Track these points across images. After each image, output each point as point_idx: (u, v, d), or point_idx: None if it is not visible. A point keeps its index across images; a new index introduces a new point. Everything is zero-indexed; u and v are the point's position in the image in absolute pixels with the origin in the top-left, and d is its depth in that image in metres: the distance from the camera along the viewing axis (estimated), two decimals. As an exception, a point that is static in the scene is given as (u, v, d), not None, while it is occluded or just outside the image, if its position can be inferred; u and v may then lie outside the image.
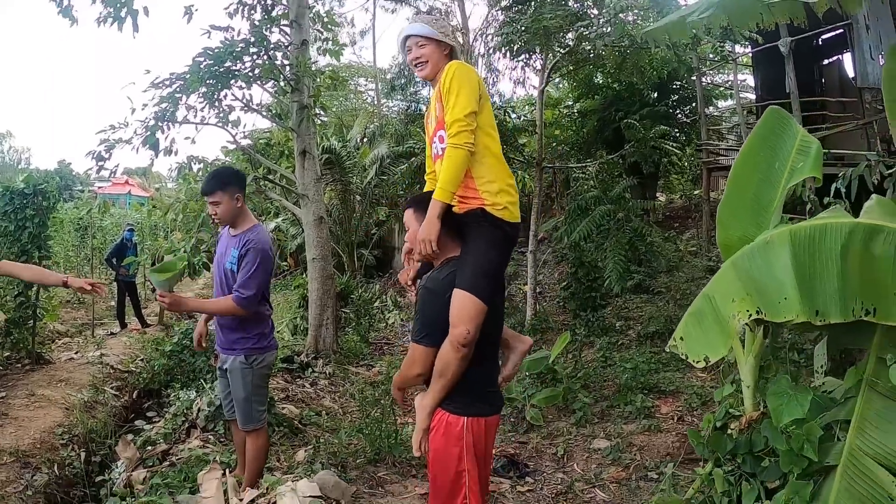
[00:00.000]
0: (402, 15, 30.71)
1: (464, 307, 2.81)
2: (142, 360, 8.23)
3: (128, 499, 4.08)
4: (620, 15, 8.91)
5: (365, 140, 20.50)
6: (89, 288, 3.99)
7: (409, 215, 3.15)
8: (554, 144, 18.11)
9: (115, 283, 12.88)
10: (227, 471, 4.18)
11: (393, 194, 19.26)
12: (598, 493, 5.15)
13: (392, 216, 19.68)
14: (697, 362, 2.34)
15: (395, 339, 12.52)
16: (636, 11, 9.01)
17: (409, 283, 3.30)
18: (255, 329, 4.29)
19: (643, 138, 11.67)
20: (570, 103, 20.18)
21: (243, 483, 4.27)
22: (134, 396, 7.37)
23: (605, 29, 9.34)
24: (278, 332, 9.07)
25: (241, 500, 3.70)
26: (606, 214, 9.52)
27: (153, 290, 13.71)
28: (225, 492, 3.78)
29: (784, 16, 3.89)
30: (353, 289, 14.56)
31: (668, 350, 2.48)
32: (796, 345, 2.50)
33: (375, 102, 28.70)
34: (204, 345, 4.66)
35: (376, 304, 14.87)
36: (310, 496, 3.81)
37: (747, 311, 2.23)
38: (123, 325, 12.19)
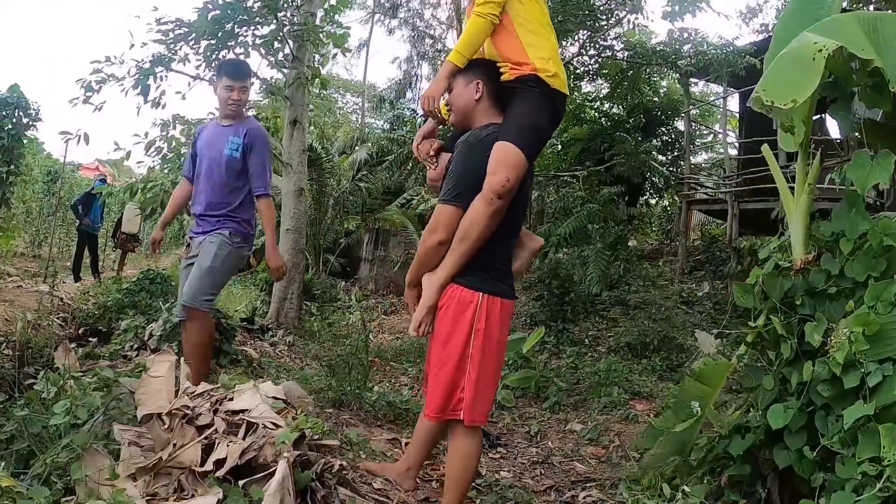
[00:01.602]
0: (398, 36, 30.97)
1: (506, 155, 2.63)
2: (94, 303, 7.68)
3: (61, 374, 3.49)
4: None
5: (345, 153, 20.34)
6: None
7: (460, 76, 2.96)
8: (536, 172, 18.03)
9: (76, 235, 12.32)
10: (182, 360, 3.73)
11: (366, 207, 19.08)
12: (577, 465, 4.80)
13: (362, 228, 19.43)
14: (785, 105, 2.18)
15: (354, 335, 12.02)
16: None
17: (432, 154, 3.07)
18: (244, 214, 4.31)
19: (633, 151, 11.59)
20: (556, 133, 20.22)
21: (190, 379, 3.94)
22: (80, 332, 6.81)
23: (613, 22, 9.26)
24: (236, 310, 8.62)
25: (195, 388, 3.26)
26: (592, 215, 9.30)
27: (115, 248, 13.16)
28: (177, 377, 3.34)
29: None
30: (318, 284, 14.20)
31: (749, 104, 2.33)
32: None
33: (361, 118, 28.64)
34: (158, 249, 4.72)
35: (339, 301, 14.48)
36: (273, 397, 3.38)
37: (834, 43, 2.11)
38: (77, 279, 11.61)
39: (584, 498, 4.02)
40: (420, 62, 20.53)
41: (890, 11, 2.21)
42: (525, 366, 7.08)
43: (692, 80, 13.18)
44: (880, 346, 1.94)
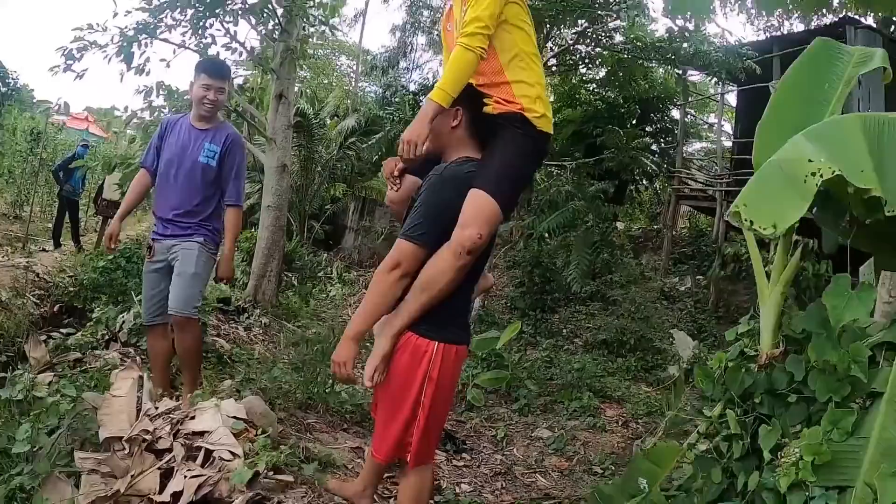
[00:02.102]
0: (394, 4, 30.45)
1: (481, 208, 2.50)
2: (70, 276, 7.62)
3: (25, 387, 3.55)
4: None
5: (336, 117, 20.11)
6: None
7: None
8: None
9: (57, 200, 12.21)
10: (146, 375, 3.75)
11: (354, 173, 18.95)
12: (540, 478, 4.86)
13: (349, 195, 19.29)
14: (765, 229, 2.00)
15: (334, 311, 12.06)
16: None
17: (395, 175, 2.87)
18: (214, 223, 4.27)
19: (624, 147, 11.54)
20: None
21: (184, 384, 4.10)
22: (55, 310, 6.78)
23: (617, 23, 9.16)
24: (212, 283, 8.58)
25: (156, 407, 3.28)
26: (578, 211, 9.29)
27: (96, 213, 13.05)
28: (139, 397, 3.35)
29: (810, 6, 3.73)
30: (301, 255, 14.14)
31: (727, 217, 2.18)
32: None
33: (354, 83, 28.28)
34: (113, 246, 4.41)
35: (321, 273, 14.43)
36: (234, 416, 3.41)
37: (830, 168, 1.94)
38: (58, 245, 11.51)
39: (540, 519, 4.08)
40: (416, 32, 20.14)
41: None
42: (497, 363, 7.11)
43: (690, 71, 13.06)
44: (830, 473, 1.94)
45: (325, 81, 28.86)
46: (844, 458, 1.94)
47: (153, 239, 4.26)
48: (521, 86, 2.69)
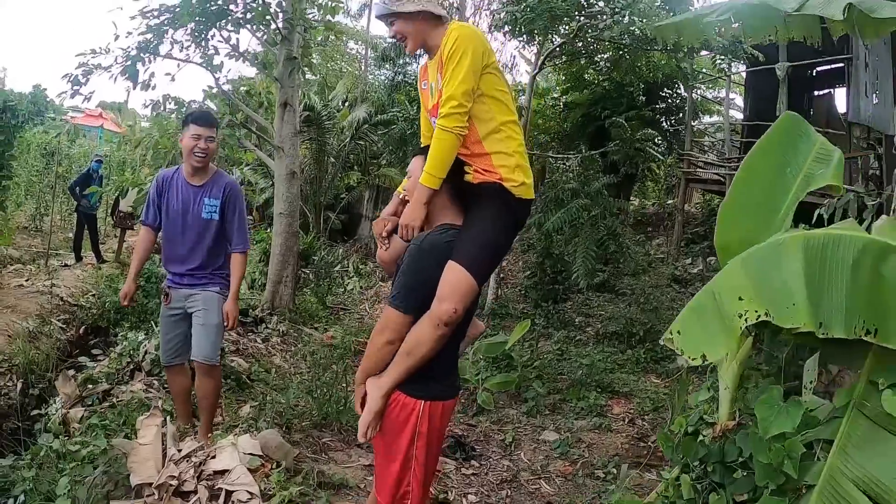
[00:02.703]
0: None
1: (458, 283, 2.61)
2: (93, 295, 7.95)
3: (62, 437, 3.91)
4: (627, 12, 8.77)
5: (346, 103, 20.19)
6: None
7: (416, 163, 2.91)
8: (536, 133, 18.00)
9: (74, 214, 12.53)
10: (169, 418, 4.02)
11: (368, 160, 19.10)
12: (544, 484, 5.09)
13: (363, 183, 19.42)
14: (694, 360, 2.20)
15: (352, 306, 12.34)
16: (643, 8, 8.87)
17: (384, 235, 3.01)
18: (226, 269, 4.45)
19: (629, 139, 11.62)
20: (557, 95, 20.05)
21: (200, 426, 4.25)
22: (80, 332, 7.13)
23: (608, 21, 9.21)
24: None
25: (179, 450, 3.55)
26: (582, 209, 9.43)
27: (114, 226, 13.41)
28: (164, 439, 3.63)
29: (799, 33, 3.80)
30: (317, 250, 14.35)
31: (661, 342, 2.33)
32: (781, 357, 2.41)
33: (362, 68, 28.30)
34: (132, 303, 4.69)
35: (337, 268, 14.66)
36: (251, 453, 3.68)
37: (755, 311, 2.10)
38: (79, 259, 11.86)
39: (541, 530, 4.33)
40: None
41: (849, 232, 2.13)
42: (507, 364, 7.34)
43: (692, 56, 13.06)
44: None
45: (335, 66, 28.85)
46: None
47: (169, 286, 4.42)
48: (500, 156, 2.75)
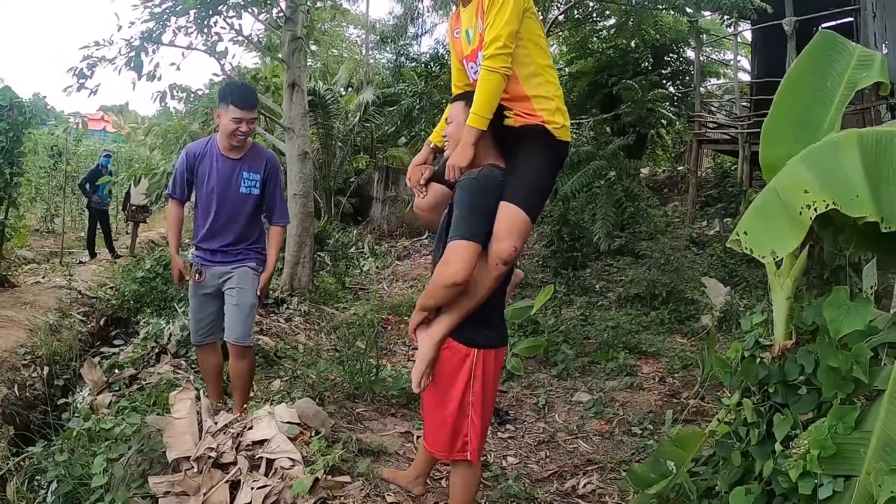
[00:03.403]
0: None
1: (513, 222, 2.66)
2: (111, 287, 7.91)
3: (92, 418, 3.85)
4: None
5: (350, 88, 20.11)
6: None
7: (457, 108, 2.92)
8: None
9: (86, 211, 12.51)
10: (203, 393, 3.96)
11: (375, 143, 19.03)
12: (582, 443, 5.01)
13: (372, 165, 19.39)
14: (764, 257, 2.17)
15: (370, 286, 12.30)
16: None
17: (422, 183, 3.07)
18: (261, 243, 4.34)
19: (640, 100, 11.47)
20: (563, 65, 19.87)
21: (234, 404, 4.18)
22: (101, 323, 7.10)
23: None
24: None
25: (216, 422, 3.49)
26: (598, 171, 9.31)
27: (126, 220, 13.40)
28: (198, 413, 3.56)
29: None
30: (330, 233, 14.34)
31: (729, 246, 2.27)
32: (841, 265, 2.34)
33: (364, 52, 28.19)
34: (184, 280, 4.36)
35: (352, 249, 14.64)
36: (288, 421, 3.61)
37: (823, 200, 2.05)
38: (93, 255, 11.85)
39: (584, 486, 4.25)
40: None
41: None
42: (534, 330, 7.26)
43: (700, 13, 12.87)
44: (836, 463, 2.04)
45: (335, 52, 28.80)
46: (849, 450, 2.05)
47: (201, 264, 4.24)
48: (540, 100, 2.80)
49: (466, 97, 2.90)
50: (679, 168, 19.64)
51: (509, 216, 2.65)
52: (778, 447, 2.24)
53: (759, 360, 2.49)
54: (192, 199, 4.38)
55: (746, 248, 2.16)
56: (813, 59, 2.73)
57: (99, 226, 12.12)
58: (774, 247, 2.14)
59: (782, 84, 2.73)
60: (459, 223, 2.68)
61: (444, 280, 2.66)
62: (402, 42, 19.94)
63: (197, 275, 4.24)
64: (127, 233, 13.69)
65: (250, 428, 3.52)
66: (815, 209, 2.06)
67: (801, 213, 2.09)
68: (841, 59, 2.67)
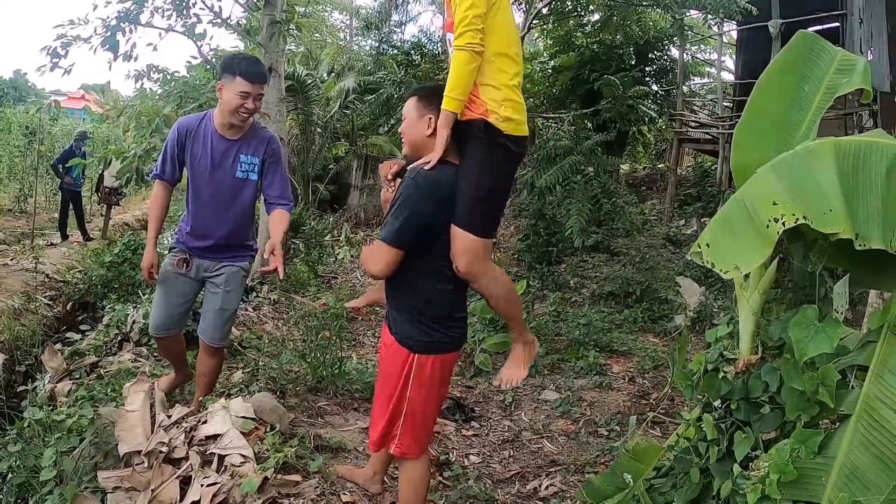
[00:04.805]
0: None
1: (459, 242, 2.65)
2: (79, 270, 7.80)
3: (47, 409, 3.80)
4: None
5: (332, 73, 19.95)
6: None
7: (409, 104, 2.86)
8: (524, 98, 17.77)
9: (59, 193, 12.36)
10: (155, 383, 3.90)
11: (355, 130, 18.91)
12: (547, 443, 5.01)
13: (351, 152, 19.27)
14: (726, 272, 2.09)
15: (343, 275, 12.24)
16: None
17: (389, 177, 3.03)
18: (251, 240, 4.09)
19: (621, 96, 11.45)
20: (546, 59, 19.80)
21: (193, 398, 4.02)
22: (68, 308, 7.02)
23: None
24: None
25: (169, 416, 3.44)
26: (575, 166, 9.29)
27: (99, 202, 13.23)
28: (152, 406, 3.51)
29: None
30: (306, 220, 14.22)
31: (689, 258, 2.20)
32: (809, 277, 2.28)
33: (349, 38, 28.04)
34: (153, 277, 3.87)
35: (328, 237, 14.53)
36: (243, 416, 3.57)
37: (793, 214, 1.97)
38: (65, 237, 11.72)
39: (545, 487, 4.25)
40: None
41: (880, 139, 2.00)
42: (504, 325, 7.23)
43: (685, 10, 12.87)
44: (795, 490, 1.99)
45: (318, 37, 28.57)
46: (810, 476, 2.00)
47: (188, 255, 3.89)
48: (488, 88, 2.67)
49: (418, 92, 2.88)
50: (659, 165, 19.68)
51: (455, 237, 2.64)
52: (737, 468, 2.20)
53: (722, 374, 2.44)
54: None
55: (708, 262, 2.09)
56: (791, 61, 2.67)
57: (72, 207, 11.97)
58: (738, 262, 2.08)
59: (757, 86, 2.67)
60: (387, 222, 2.71)
61: (367, 269, 2.78)
62: (385, 29, 19.85)
63: (183, 264, 3.88)
64: (101, 215, 13.53)
65: (204, 422, 3.47)
66: (784, 223, 1.99)
67: (768, 226, 2.02)
68: (821, 63, 2.60)
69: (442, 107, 2.64)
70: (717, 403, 2.47)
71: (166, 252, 4.12)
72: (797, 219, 1.98)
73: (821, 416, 2.06)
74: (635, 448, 2.81)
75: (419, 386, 2.78)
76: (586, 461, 4.58)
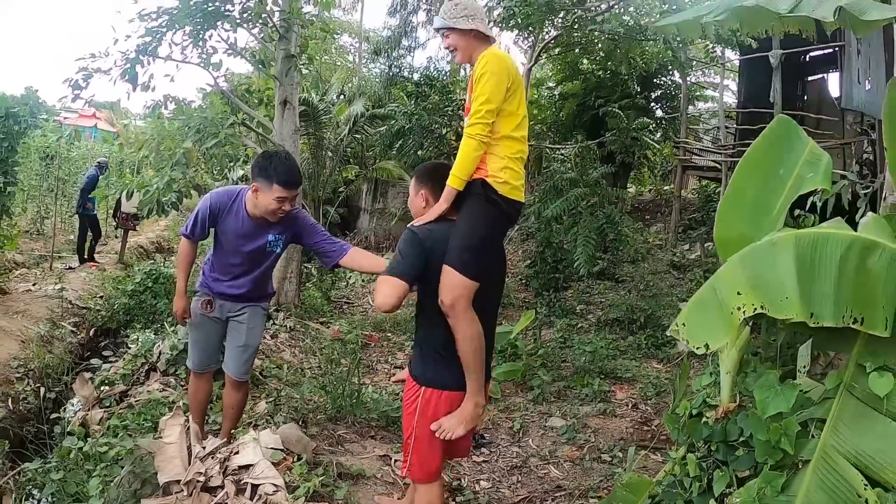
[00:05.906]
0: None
1: (445, 279, 2.93)
2: (101, 297, 8.08)
3: (86, 438, 4.07)
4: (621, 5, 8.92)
5: (342, 97, 20.26)
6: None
7: (411, 182, 3.31)
8: (531, 124, 18.10)
9: (76, 217, 12.64)
10: (190, 417, 4.17)
11: (365, 154, 19.18)
12: (553, 469, 5.24)
13: (361, 176, 19.54)
14: (698, 348, 2.47)
15: (355, 300, 12.50)
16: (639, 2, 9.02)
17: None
18: (271, 289, 4.50)
19: (625, 128, 11.75)
20: (552, 85, 20.15)
21: (221, 430, 4.34)
22: (91, 334, 7.28)
23: (604, 14, 9.34)
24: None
25: (203, 447, 3.69)
26: (580, 197, 9.58)
27: (116, 227, 13.52)
28: (187, 437, 3.77)
29: (794, 27, 4.00)
30: (317, 245, 14.42)
31: (668, 333, 2.58)
32: (777, 344, 2.66)
33: (357, 61, 28.42)
34: (185, 317, 4.29)
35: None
36: (272, 447, 3.83)
37: (752, 304, 2.32)
38: (82, 261, 11.98)
39: (551, 512, 4.49)
40: (416, 11, 20.26)
41: (836, 230, 2.37)
42: (513, 353, 7.49)
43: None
44: None
45: (327, 59, 28.94)
46: None
47: (210, 295, 4.23)
48: (491, 157, 3.04)
49: (417, 171, 3.34)
50: (665, 188, 19.94)
51: (445, 273, 2.93)
52: (713, 503, 2.50)
53: (704, 419, 2.75)
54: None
55: (684, 339, 2.46)
56: (769, 145, 3.00)
57: (90, 232, 12.27)
58: (708, 340, 2.45)
59: (739, 165, 3.02)
60: (390, 261, 3.04)
61: (376, 304, 3.02)
62: (395, 54, 20.22)
63: (207, 305, 4.22)
64: (116, 237, 13.82)
65: (236, 453, 3.72)
66: (745, 312, 2.32)
67: (732, 313, 2.37)
68: (795, 151, 2.93)
69: (447, 183, 3.02)
70: (699, 444, 2.79)
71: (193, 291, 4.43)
72: (755, 308, 2.32)
73: (785, 461, 2.34)
74: (628, 481, 3.09)
75: (425, 416, 3.07)
76: (590, 486, 4.81)
